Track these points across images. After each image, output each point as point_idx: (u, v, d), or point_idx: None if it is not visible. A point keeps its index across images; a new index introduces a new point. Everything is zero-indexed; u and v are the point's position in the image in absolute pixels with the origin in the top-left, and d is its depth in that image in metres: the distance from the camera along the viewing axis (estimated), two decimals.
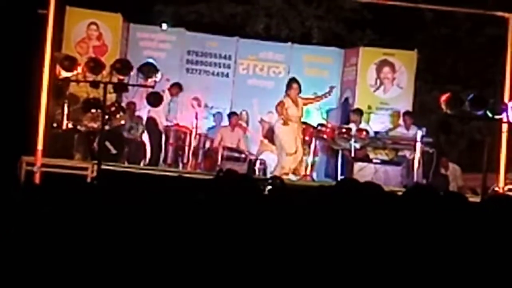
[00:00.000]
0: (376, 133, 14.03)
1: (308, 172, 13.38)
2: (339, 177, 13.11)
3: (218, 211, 4.01)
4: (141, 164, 13.46)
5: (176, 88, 14.18)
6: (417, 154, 13.23)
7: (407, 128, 13.98)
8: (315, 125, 13.69)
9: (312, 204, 4.08)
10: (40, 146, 11.36)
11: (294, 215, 4.01)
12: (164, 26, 15.07)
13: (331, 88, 13.51)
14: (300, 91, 13.00)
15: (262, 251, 3.66)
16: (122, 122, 13.42)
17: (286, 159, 12.82)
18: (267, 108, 14.29)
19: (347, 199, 3.95)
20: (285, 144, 12.82)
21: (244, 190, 4.29)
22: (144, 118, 13.88)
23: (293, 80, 13.18)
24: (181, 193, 4.39)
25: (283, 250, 3.65)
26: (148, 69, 11.48)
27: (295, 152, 12.82)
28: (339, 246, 3.63)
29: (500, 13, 13.27)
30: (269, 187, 6.55)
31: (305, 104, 13.16)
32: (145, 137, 13.88)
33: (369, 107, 14.73)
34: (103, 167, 11.08)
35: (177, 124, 13.99)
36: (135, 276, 3.62)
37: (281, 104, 12.90)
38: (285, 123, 12.77)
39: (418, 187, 4.62)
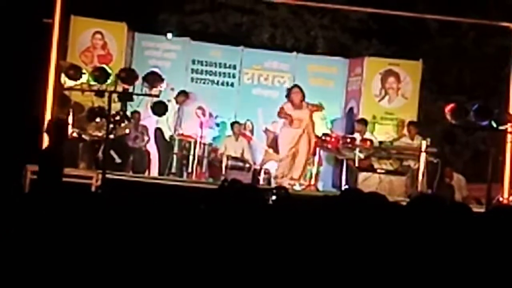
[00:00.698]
0: (380, 143, 14.00)
1: (312, 182, 13.38)
2: (343, 187, 13.12)
3: (223, 220, 4.01)
4: (146, 173, 13.47)
5: (183, 96, 14.18)
6: (422, 164, 13.21)
7: (412, 138, 13.97)
8: (319, 135, 13.69)
9: (317, 214, 4.08)
10: None
11: (298, 225, 4.01)
12: (169, 35, 15.07)
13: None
14: (303, 95, 13.02)
15: (266, 260, 3.66)
16: (127, 131, 13.44)
17: (280, 164, 13.00)
18: (272, 118, 14.29)
19: (351, 209, 3.95)
20: (279, 149, 13.03)
21: (248, 199, 4.29)
22: (152, 129, 13.88)
23: (293, 86, 13.37)
24: (185, 203, 4.38)
25: (287, 260, 3.65)
26: (153, 78, 11.46)
27: (286, 157, 12.88)
28: (344, 257, 3.62)
29: (504, 23, 13.29)
30: (274, 197, 6.54)
31: (312, 111, 13.16)
32: (151, 147, 13.88)
33: (374, 117, 14.72)
34: (108, 176, 11.08)
35: (182, 134, 13.98)
36: (138, 285, 3.62)
37: (281, 110, 13.00)
38: (290, 124, 12.84)
39: (422, 197, 4.62)
